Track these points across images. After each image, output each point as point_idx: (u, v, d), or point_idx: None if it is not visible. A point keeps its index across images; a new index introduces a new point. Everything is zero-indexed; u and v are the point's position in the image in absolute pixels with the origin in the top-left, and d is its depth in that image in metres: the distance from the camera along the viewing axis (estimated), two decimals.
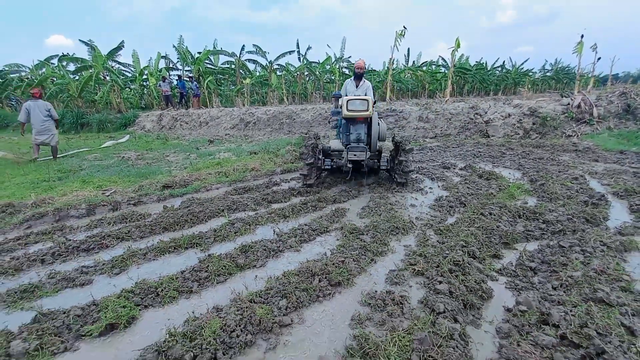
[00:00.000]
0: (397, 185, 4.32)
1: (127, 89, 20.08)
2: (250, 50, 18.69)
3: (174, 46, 17.71)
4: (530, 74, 33.64)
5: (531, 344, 1.57)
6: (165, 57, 19.48)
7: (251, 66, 20.21)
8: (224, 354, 1.57)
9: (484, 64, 31.16)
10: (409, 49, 28.44)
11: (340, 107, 4.06)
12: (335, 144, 4.66)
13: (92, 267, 2.49)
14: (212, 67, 19.38)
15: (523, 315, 1.79)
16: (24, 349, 1.63)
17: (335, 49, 29.86)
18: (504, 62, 32.33)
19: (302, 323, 1.83)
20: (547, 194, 3.79)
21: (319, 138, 4.58)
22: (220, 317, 1.77)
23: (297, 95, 21.73)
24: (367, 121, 4.12)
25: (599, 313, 1.73)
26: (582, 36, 9.90)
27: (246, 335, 1.68)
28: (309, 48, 21.04)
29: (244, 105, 16.88)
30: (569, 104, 8.25)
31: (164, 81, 16.47)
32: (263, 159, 6.41)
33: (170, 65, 19.82)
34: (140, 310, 1.95)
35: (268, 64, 19.12)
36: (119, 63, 18.27)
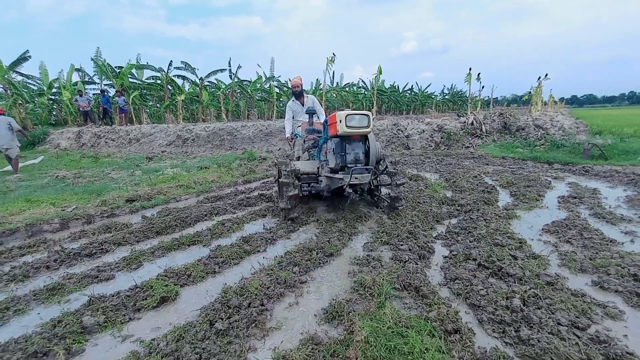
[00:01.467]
0: (386, 206, 3.98)
1: (32, 103, 17.70)
2: (178, 66, 18.34)
3: (91, 59, 16.45)
4: (433, 96, 39.30)
5: (462, 269, 2.50)
6: (79, 70, 17.84)
7: (179, 82, 19.76)
8: (268, 301, 2.14)
9: (397, 87, 35.39)
10: (334, 71, 30.78)
11: (326, 124, 3.68)
12: (304, 166, 4.00)
13: (106, 266, 2.73)
14: (137, 81, 18.41)
15: (455, 257, 2.74)
16: (96, 322, 1.95)
17: (265, 68, 30.79)
18: (412, 86, 37.09)
19: (314, 280, 2.48)
20: (458, 187, 5.08)
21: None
22: (256, 280, 2.32)
23: (229, 113, 21.80)
24: (364, 139, 3.60)
25: (497, 250, 2.77)
26: (470, 69, 12.56)
27: (278, 289, 2.27)
28: (239, 67, 21.51)
29: (178, 121, 16.42)
30: (465, 122, 10.42)
31: (80, 96, 15.15)
32: (220, 172, 6.74)
33: (86, 79, 18.20)
34: (179, 287, 2.36)
35: (199, 80, 18.94)
36: (22, 75, 16.14)
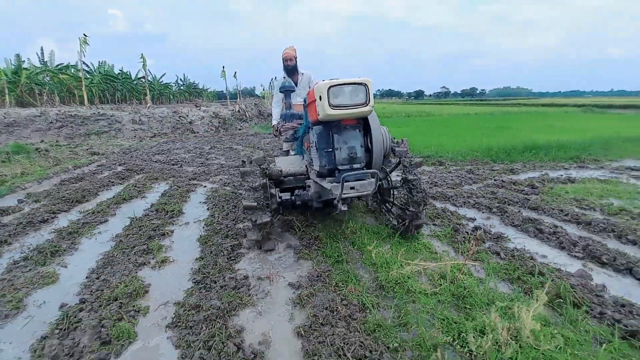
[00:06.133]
0: (406, 227, 2.64)
1: None
2: None
3: None
4: (170, 86, 39.45)
5: None
6: None
7: None
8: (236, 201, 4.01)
9: (129, 74, 32.74)
10: (42, 47, 24.33)
11: (306, 105, 2.60)
12: (286, 163, 3.13)
13: (90, 216, 3.33)
14: None
15: None
16: (159, 222, 3.15)
17: None
18: (144, 74, 35.38)
19: None
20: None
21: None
22: (226, 191, 4.05)
23: None
24: (362, 124, 2.38)
25: None
26: (224, 67, 15.48)
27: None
28: None
29: None
30: (232, 110, 13.33)
31: None
32: (18, 165, 5.84)
33: None
34: (181, 205, 3.65)
35: None
36: None
